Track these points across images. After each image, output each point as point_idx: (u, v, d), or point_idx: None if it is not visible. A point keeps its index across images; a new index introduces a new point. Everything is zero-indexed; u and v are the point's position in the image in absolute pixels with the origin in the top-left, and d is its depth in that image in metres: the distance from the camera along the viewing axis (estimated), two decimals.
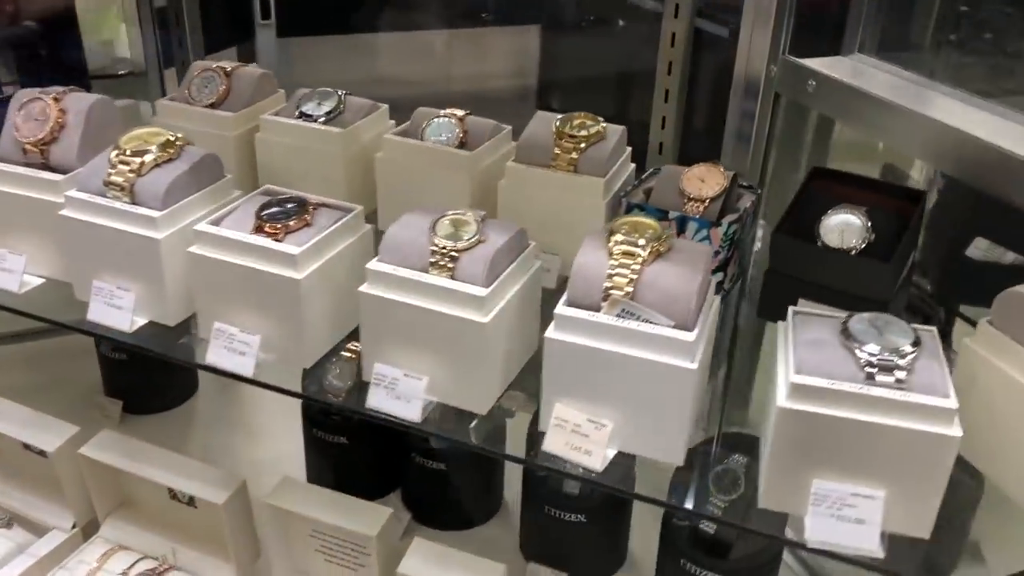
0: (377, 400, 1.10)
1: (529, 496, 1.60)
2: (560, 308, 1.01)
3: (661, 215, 1.23)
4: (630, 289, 1.00)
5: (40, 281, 1.34)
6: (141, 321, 1.25)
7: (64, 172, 1.30)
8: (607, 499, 1.53)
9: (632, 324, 0.98)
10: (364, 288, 1.10)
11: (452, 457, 1.62)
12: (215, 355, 1.17)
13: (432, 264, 1.07)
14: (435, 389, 1.08)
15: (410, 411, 1.08)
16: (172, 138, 1.24)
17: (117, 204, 1.21)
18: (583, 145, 1.29)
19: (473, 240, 1.07)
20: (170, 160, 1.24)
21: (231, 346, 1.16)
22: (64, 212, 1.25)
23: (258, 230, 1.16)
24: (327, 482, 1.71)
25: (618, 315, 0.99)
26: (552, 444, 1.03)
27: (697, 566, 1.40)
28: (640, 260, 0.99)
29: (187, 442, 1.89)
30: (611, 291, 1.00)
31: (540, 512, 1.56)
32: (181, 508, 1.56)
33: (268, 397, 2.03)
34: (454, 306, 1.04)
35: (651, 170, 1.37)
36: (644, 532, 1.61)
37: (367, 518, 1.39)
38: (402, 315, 1.07)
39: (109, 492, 1.61)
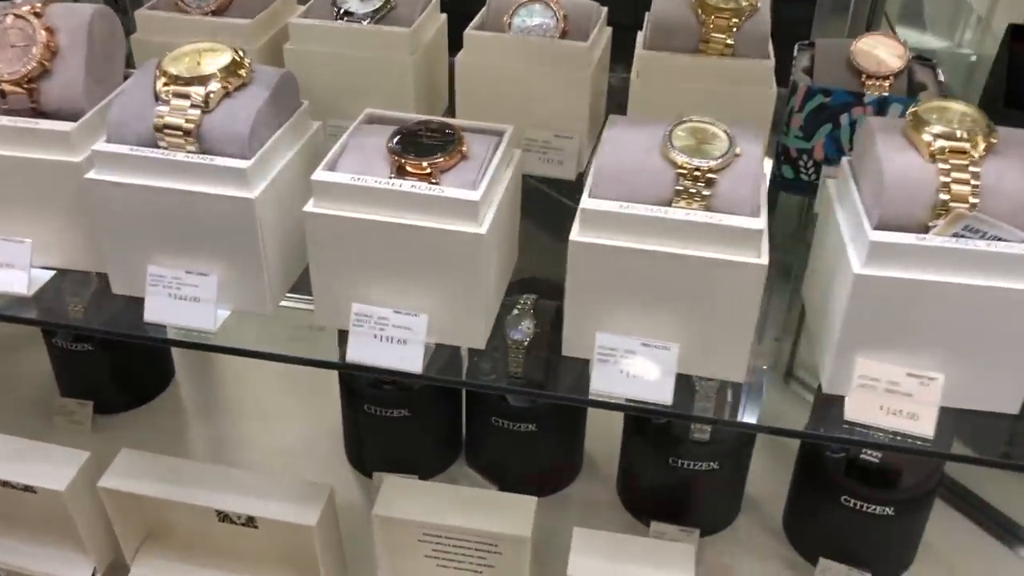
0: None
1: (642, 447, 1.36)
2: (877, 235, 0.76)
3: (852, 98, 0.99)
4: (975, 200, 0.76)
5: (50, 274, 0.96)
6: (224, 314, 0.91)
7: (67, 117, 0.91)
8: (737, 443, 1.31)
9: (979, 244, 0.75)
10: (579, 237, 0.80)
11: (543, 415, 1.36)
12: (362, 348, 0.85)
13: (679, 193, 0.79)
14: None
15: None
16: (238, 56, 0.88)
17: (180, 156, 0.84)
18: (737, 20, 1.02)
19: (728, 155, 0.79)
20: (243, 86, 0.88)
21: (384, 333, 0.85)
22: (93, 175, 0.87)
23: (401, 172, 0.84)
24: (382, 463, 1.42)
25: (957, 234, 0.75)
26: (859, 410, 0.79)
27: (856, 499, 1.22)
28: (973, 160, 0.73)
29: (184, 439, 1.52)
30: (949, 204, 0.76)
31: (661, 464, 1.32)
32: (235, 531, 1.23)
33: (260, 376, 1.69)
34: (723, 248, 0.77)
35: (797, 46, 1.12)
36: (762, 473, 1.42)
37: (510, 514, 1.11)
38: (637, 266, 0.79)
39: (136, 524, 1.26)
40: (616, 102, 1.15)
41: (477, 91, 1.08)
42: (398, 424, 1.38)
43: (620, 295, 0.80)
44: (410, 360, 0.84)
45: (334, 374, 1.47)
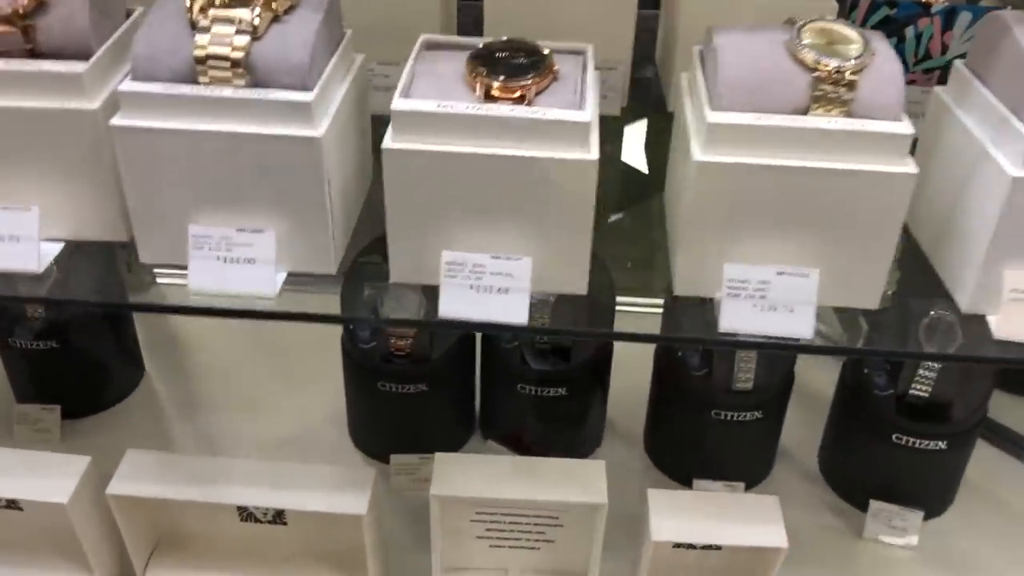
0: None
1: (680, 403, 1.28)
2: None
3: (919, 9, 0.93)
4: None
5: (59, 247, 0.81)
6: (281, 276, 0.78)
7: (70, 58, 0.76)
8: (780, 389, 1.25)
9: None
10: (704, 156, 0.71)
11: (573, 377, 1.26)
12: (456, 302, 0.73)
13: (818, 99, 0.70)
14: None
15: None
16: None
17: (228, 92, 0.71)
18: None
19: (865, 55, 0.71)
20: (292, 8, 0.75)
21: (481, 283, 0.73)
22: (118, 121, 0.72)
23: (488, 97, 0.72)
24: (395, 444, 1.30)
25: None
26: (1008, 326, 0.73)
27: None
28: None
29: (168, 440, 1.36)
30: None
31: (702, 419, 1.25)
32: (260, 531, 1.10)
33: (241, 366, 1.45)
34: (869, 157, 0.69)
35: None
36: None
37: (581, 481, 1.01)
38: (771, 184, 0.70)
39: (146, 532, 1.11)
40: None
41: (510, 21, 0.97)
42: (414, 400, 1.26)
43: (750, 219, 0.72)
44: (514, 310, 0.73)
45: (328, 356, 1.34)
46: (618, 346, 1.29)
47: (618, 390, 1.33)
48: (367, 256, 0.79)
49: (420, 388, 1.25)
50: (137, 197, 0.74)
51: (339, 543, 1.08)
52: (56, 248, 0.79)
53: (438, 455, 1.03)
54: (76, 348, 1.33)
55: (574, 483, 0.99)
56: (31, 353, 1.31)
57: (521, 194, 0.70)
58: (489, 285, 0.73)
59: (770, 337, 0.72)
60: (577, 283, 0.75)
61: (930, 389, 1.18)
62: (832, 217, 0.70)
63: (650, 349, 1.34)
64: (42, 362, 1.32)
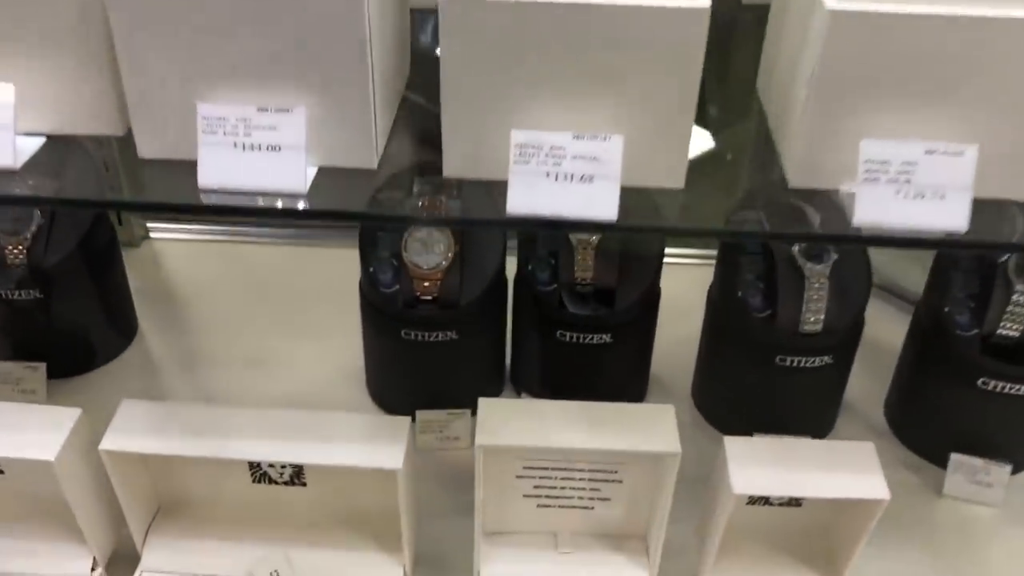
0: None
1: (739, 350, 1.15)
2: None
3: None
4: None
5: (40, 142, 0.67)
6: (312, 171, 0.64)
7: None
8: (851, 332, 1.12)
9: None
10: (838, 5, 0.57)
11: (620, 322, 1.13)
12: (529, 194, 0.59)
13: None
14: None
15: None
16: None
17: None
18: None
19: None
20: None
21: (560, 169, 0.59)
22: None
23: None
24: (420, 399, 1.17)
25: None
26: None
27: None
28: None
29: (167, 399, 1.24)
30: None
31: (765, 366, 1.12)
32: (276, 492, 0.97)
33: (244, 317, 1.32)
34: None
35: None
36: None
37: (649, 427, 0.87)
38: (917, 39, 0.57)
39: (145, 497, 0.97)
40: None
41: None
42: (441, 350, 1.12)
43: (889, 87, 0.58)
44: (601, 203, 0.59)
45: (343, 306, 1.20)
46: (664, 289, 1.16)
47: (662, 339, 1.19)
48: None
49: (448, 336, 1.11)
50: (135, 74, 0.60)
51: (368, 506, 0.95)
52: (37, 143, 0.65)
53: (483, 400, 0.89)
54: (62, 299, 1.18)
55: (639, 430, 0.86)
56: (12, 304, 1.16)
57: (612, 56, 0.56)
58: (569, 172, 0.59)
59: (916, 231, 0.58)
60: (674, 173, 0.62)
61: (1022, 327, 1.06)
62: (987, 80, 0.56)
63: (699, 293, 1.21)
64: (24, 314, 1.17)
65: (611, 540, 0.97)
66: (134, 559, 0.95)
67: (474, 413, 1.16)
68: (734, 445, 0.87)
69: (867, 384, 1.23)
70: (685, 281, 1.24)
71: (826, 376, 1.12)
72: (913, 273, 1.30)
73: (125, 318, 1.31)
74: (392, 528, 0.93)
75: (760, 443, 0.87)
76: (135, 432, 0.86)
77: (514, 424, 0.87)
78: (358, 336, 1.19)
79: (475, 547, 0.93)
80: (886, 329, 1.26)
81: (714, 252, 1.22)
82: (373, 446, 0.86)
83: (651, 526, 0.95)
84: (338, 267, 1.27)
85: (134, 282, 1.34)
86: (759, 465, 0.85)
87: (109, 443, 0.85)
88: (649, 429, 0.86)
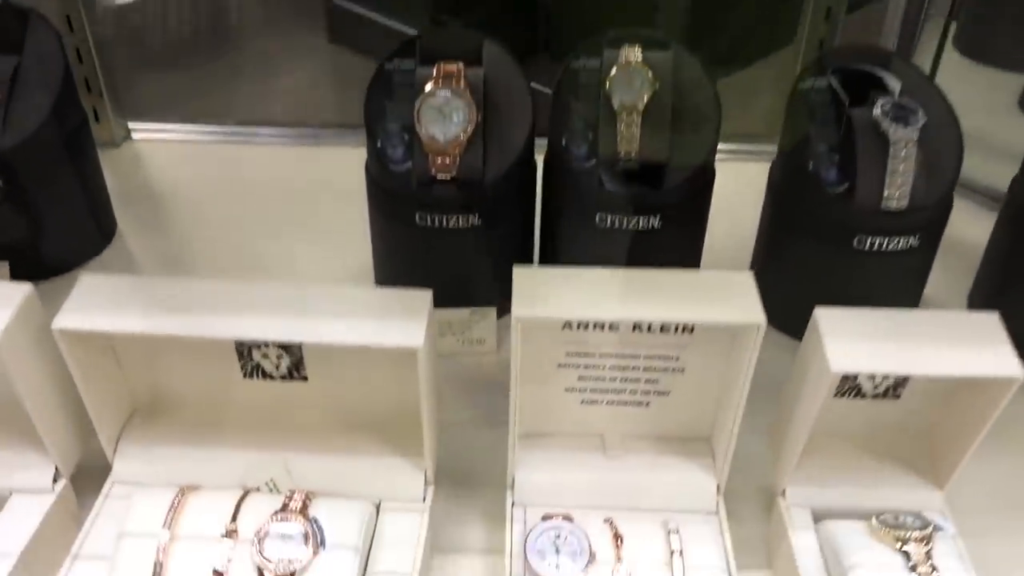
0: None
1: (809, 228, 0.99)
2: None
3: None
4: None
5: None
6: None
7: None
8: (940, 209, 0.96)
9: None
10: None
11: (670, 204, 0.97)
12: None
13: None
14: None
15: None
16: None
17: None
18: None
19: None
20: None
21: None
22: None
23: None
24: (439, 297, 1.01)
25: None
26: None
27: None
28: None
29: None
30: None
31: (841, 250, 0.96)
32: (272, 389, 0.81)
33: (233, 217, 1.18)
34: None
35: None
36: None
37: (723, 296, 0.71)
38: None
39: (115, 396, 0.81)
40: None
41: None
42: (461, 239, 0.97)
43: None
44: None
45: (346, 198, 1.05)
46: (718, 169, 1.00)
47: (713, 234, 1.04)
48: None
49: (468, 222, 0.96)
50: None
51: (380, 403, 0.79)
52: None
53: (518, 268, 0.73)
54: (29, 191, 1.03)
55: (713, 298, 0.70)
56: None
57: None
58: None
59: None
60: None
61: None
62: None
63: (754, 189, 1.06)
64: None
65: (668, 443, 0.82)
66: (104, 471, 0.80)
67: (500, 313, 1.01)
68: (829, 318, 0.71)
69: (949, 276, 1.08)
70: (737, 176, 1.09)
71: (910, 262, 0.97)
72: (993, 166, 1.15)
73: (100, 217, 1.16)
74: (409, 430, 0.78)
75: (859, 315, 0.71)
76: (96, 309, 0.71)
77: (558, 294, 0.71)
78: (365, 236, 1.04)
79: (509, 450, 0.78)
80: (966, 220, 1.11)
81: (770, 147, 1.07)
82: (387, 322, 0.70)
83: (719, 424, 0.79)
84: (340, 168, 1.12)
85: (114, 183, 1.19)
86: (860, 339, 0.69)
87: (65, 321, 0.70)
88: (724, 297, 0.70)
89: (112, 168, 1.22)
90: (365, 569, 0.74)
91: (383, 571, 0.74)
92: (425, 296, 0.73)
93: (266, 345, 0.76)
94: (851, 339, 0.69)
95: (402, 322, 0.70)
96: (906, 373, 0.72)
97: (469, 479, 0.88)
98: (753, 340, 0.69)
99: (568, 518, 0.74)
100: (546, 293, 0.71)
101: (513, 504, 0.79)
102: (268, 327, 0.70)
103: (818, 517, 0.78)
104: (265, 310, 0.71)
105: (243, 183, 1.26)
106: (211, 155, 1.32)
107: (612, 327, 0.74)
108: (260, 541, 0.71)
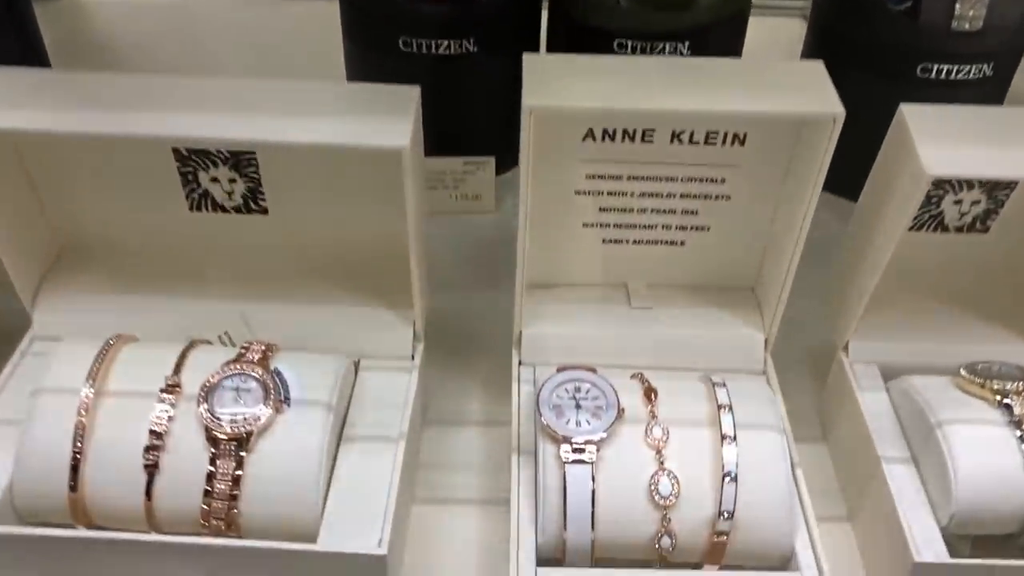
0: None
1: (855, 54, 0.84)
2: None
3: None
4: None
5: None
6: None
7: None
8: (1014, 40, 0.82)
9: None
10: None
11: (699, 27, 0.82)
12: None
13: None
14: None
15: None
16: None
17: None
18: None
19: None
20: None
21: None
22: None
23: None
24: (429, 143, 0.86)
25: None
26: None
27: None
28: None
29: None
30: None
31: (903, 77, 0.82)
32: (225, 224, 0.66)
33: (184, 63, 1.03)
34: None
35: None
36: None
37: (779, 88, 0.54)
38: None
39: (34, 236, 0.66)
40: None
41: None
42: (456, 68, 0.82)
43: None
44: None
45: (312, 58, 0.90)
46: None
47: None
48: None
49: (463, 48, 0.81)
50: None
51: (357, 240, 0.65)
52: None
53: (529, 56, 0.58)
54: None
55: (775, 88, 0.56)
56: None
57: None
58: None
59: None
60: None
61: None
62: None
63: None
64: None
65: (705, 293, 0.69)
66: (23, 325, 0.66)
67: (500, 167, 0.86)
68: (919, 115, 0.57)
69: None
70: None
71: (982, 94, 0.82)
72: None
73: (32, 60, 0.99)
74: (393, 276, 0.64)
75: (954, 113, 0.57)
76: (8, 103, 0.56)
77: (582, 81, 0.56)
78: (340, 69, 0.88)
79: (516, 299, 0.64)
80: None
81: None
82: (364, 120, 0.55)
83: (768, 267, 0.66)
84: (309, 23, 0.97)
85: (52, 38, 1.03)
86: (956, 140, 0.55)
87: None
88: (789, 86, 0.56)
89: (50, 23, 1.06)
90: (342, 434, 0.60)
91: (363, 436, 0.60)
92: (410, 93, 0.58)
93: (215, 158, 0.61)
94: (946, 139, 0.55)
95: (383, 120, 0.55)
96: (1015, 177, 0.58)
97: (464, 345, 0.75)
98: (825, 141, 0.55)
99: (590, 368, 0.60)
100: (566, 82, 0.56)
101: (520, 363, 0.66)
102: (216, 125, 0.55)
103: (887, 376, 0.65)
104: (213, 106, 0.56)
105: (194, 38, 1.09)
106: (160, 7, 1.16)
107: (646, 137, 0.60)
108: (208, 396, 0.57)
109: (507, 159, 0.87)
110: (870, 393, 0.63)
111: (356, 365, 0.65)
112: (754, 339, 0.66)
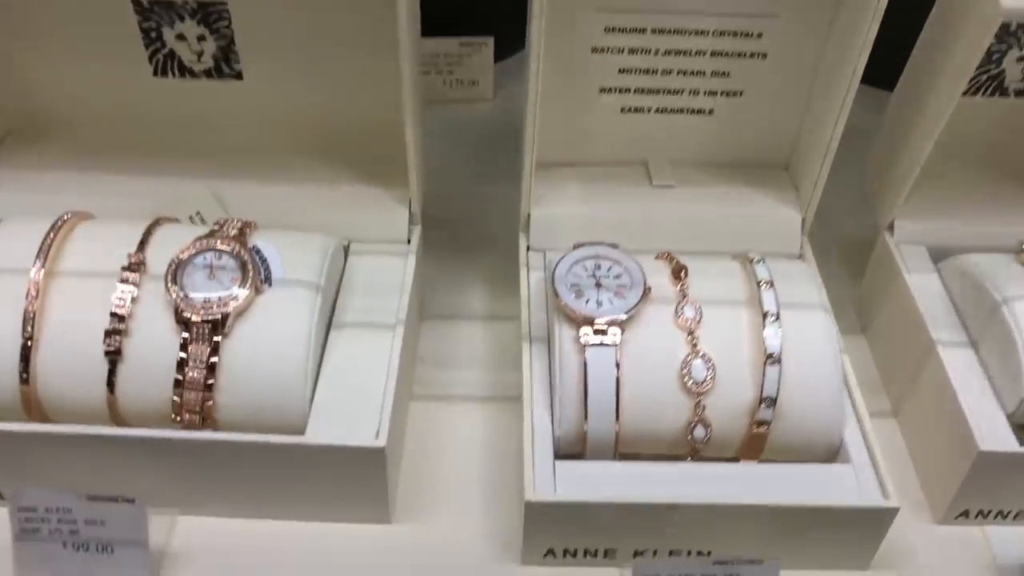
0: None
1: None
2: None
3: None
4: None
5: None
6: None
7: None
8: None
9: None
10: None
11: None
12: None
13: None
14: None
15: None
16: None
17: None
18: None
19: None
20: None
21: None
22: None
23: None
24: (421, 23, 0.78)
25: None
26: None
27: None
28: None
29: None
30: None
31: None
32: (194, 91, 0.58)
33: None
34: None
35: None
36: None
37: None
38: None
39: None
40: None
41: None
42: None
43: None
44: None
45: None
46: None
47: None
48: None
49: None
50: None
51: (345, 109, 0.58)
52: None
53: None
54: None
55: None
56: None
57: None
58: None
59: None
60: None
61: None
62: None
63: None
64: None
65: (734, 171, 0.62)
66: None
67: (499, 54, 0.79)
68: None
69: None
70: None
71: None
72: None
73: None
74: (386, 152, 0.56)
75: None
76: None
77: None
78: None
79: (524, 179, 0.57)
80: None
81: None
82: None
83: (806, 140, 0.59)
84: None
85: None
86: None
87: None
88: None
89: None
90: (331, 321, 0.53)
91: (356, 323, 0.53)
92: None
93: (180, 10, 0.54)
94: None
95: None
96: None
97: (464, 239, 0.68)
98: None
99: (612, 244, 0.53)
100: None
101: (529, 248, 0.59)
102: None
103: (935, 258, 0.58)
104: None
105: None
106: None
107: None
108: (177, 274, 0.50)
109: (507, 42, 0.79)
110: (919, 275, 0.57)
111: (346, 250, 0.58)
112: (790, 219, 0.59)
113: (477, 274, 0.66)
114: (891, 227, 0.59)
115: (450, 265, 0.66)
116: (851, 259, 0.66)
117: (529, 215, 0.59)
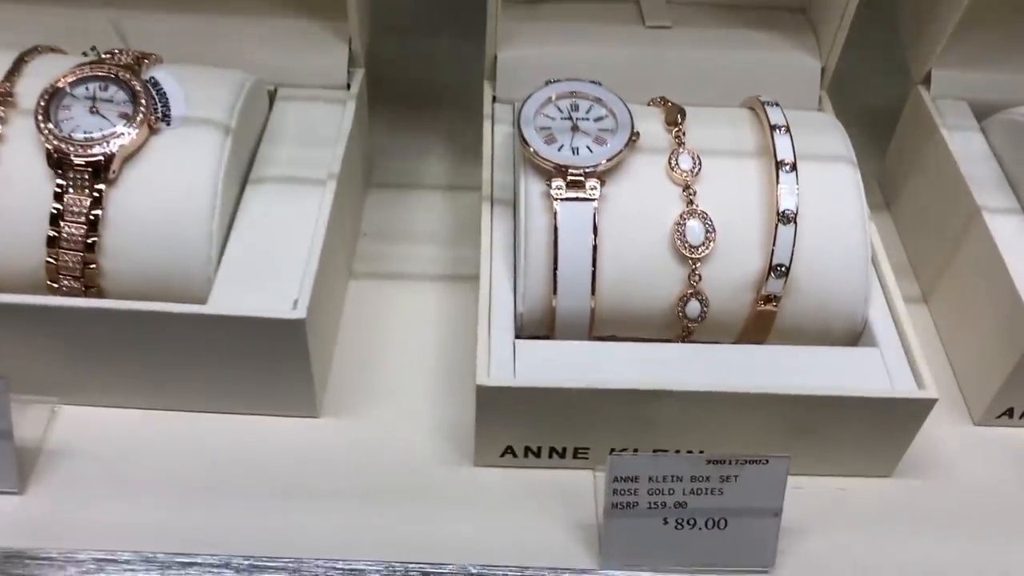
0: None
1: None
2: None
3: None
4: None
5: None
6: None
7: None
8: None
9: None
10: None
11: None
12: None
13: None
14: None
15: None
16: None
17: None
18: None
19: None
20: None
21: None
22: None
23: None
24: None
25: None
26: None
27: None
28: None
29: None
30: None
31: None
32: None
33: None
34: None
35: None
36: None
37: None
38: None
39: None
40: None
41: None
42: None
43: None
44: None
45: None
46: None
47: None
48: None
49: None
50: None
51: None
52: None
53: None
54: None
55: None
56: None
57: None
58: None
59: None
60: None
61: None
62: None
63: None
64: None
65: (739, 12, 0.52)
66: None
67: None
68: None
69: None
70: None
71: None
72: None
73: None
74: None
75: None
76: None
77: None
78: None
79: (489, 11, 0.47)
80: None
81: None
82: None
83: None
84: None
85: None
86: None
87: None
88: None
89: None
90: (248, 174, 0.44)
91: (278, 176, 0.44)
92: None
93: None
94: None
95: None
96: None
97: (418, 99, 0.58)
98: None
99: (593, 81, 0.44)
100: None
101: (495, 99, 0.49)
102: None
103: (979, 115, 0.49)
104: None
105: None
106: None
107: None
108: (50, 106, 0.40)
109: None
110: (960, 133, 0.48)
111: (272, 94, 0.48)
112: (808, 68, 0.50)
113: (435, 136, 0.56)
114: (927, 79, 0.50)
115: (402, 125, 0.56)
116: (875, 127, 0.56)
117: (496, 57, 0.49)
